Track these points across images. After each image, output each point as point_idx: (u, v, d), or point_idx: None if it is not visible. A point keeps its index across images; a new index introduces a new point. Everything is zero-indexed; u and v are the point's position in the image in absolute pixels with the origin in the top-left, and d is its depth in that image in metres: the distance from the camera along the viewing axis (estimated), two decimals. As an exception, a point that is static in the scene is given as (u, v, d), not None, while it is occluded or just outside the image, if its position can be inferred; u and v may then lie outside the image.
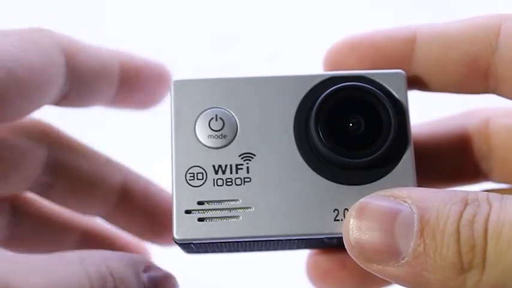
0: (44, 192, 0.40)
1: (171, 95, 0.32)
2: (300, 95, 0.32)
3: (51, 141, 0.39)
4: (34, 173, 0.38)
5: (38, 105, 0.34)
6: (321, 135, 0.31)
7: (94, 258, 0.30)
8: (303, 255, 0.40)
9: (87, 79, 0.36)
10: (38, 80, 0.33)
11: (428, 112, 0.40)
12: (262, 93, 0.32)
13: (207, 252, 0.34)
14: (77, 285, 0.28)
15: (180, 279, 0.33)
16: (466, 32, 0.33)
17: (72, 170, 0.39)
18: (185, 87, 0.32)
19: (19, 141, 0.37)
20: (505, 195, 0.28)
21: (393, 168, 0.31)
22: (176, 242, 0.31)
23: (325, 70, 0.36)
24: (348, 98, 0.31)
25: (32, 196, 0.40)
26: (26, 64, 0.32)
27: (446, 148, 0.38)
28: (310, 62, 0.38)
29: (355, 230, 0.29)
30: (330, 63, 0.36)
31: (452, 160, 0.39)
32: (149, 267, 0.31)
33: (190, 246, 0.31)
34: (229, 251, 0.33)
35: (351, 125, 0.31)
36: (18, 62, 0.32)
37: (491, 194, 0.28)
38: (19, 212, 0.39)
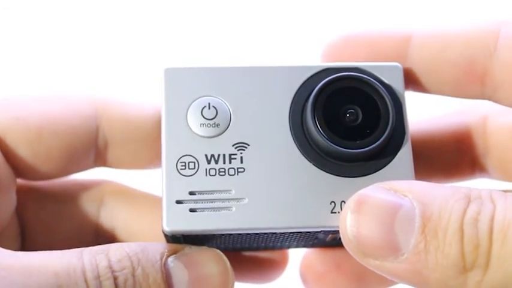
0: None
1: (162, 83, 0.31)
2: (295, 86, 0.31)
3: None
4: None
5: (72, 162, 0.35)
6: (318, 125, 0.30)
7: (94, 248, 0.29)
8: (297, 256, 0.39)
9: (123, 133, 0.36)
10: (57, 129, 0.34)
11: (425, 111, 0.39)
12: (257, 83, 0.31)
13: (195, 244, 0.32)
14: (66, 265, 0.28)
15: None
16: (463, 34, 0.33)
17: None
18: (177, 75, 0.31)
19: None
20: (508, 193, 0.27)
21: (391, 160, 0.31)
22: (165, 234, 0.30)
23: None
24: (344, 88, 0.30)
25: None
26: (39, 112, 0.33)
27: (443, 144, 0.38)
28: (308, 56, 0.38)
29: (353, 223, 0.28)
30: (326, 57, 0.35)
31: (448, 156, 0.38)
32: (177, 250, 0.30)
33: (179, 239, 0.30)
34: (219, 247, 0.32)
35: (347, 115, 0.30)
36: (30, 111, 0.33)
37: (494, 191, 0.27)
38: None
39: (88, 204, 0.37)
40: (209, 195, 0.30)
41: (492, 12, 0.61)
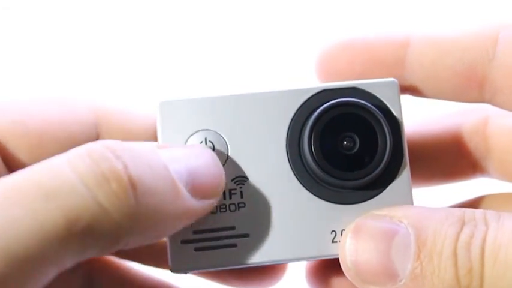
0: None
1: (158, 118, 0.31)
2: (291, 111, 0.31)
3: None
4: None
5: None
6: (315, 157, 0.30)
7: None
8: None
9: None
10: (56, 134, 0.33)
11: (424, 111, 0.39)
12: (252, 112, 0.31)
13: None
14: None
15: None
16: (462, 39, 0.33)
17: None
18: (172, 109, 0.31)
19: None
20: (502, 213, 0.28)
21: (389, 184, 0.31)
22: (176, 272, 0.30)
23: (316, 70, 0.35)
24: (341, 114, 0.30)
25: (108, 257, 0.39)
26: (38, 117, 0.33)
27: (443, 146, 0.38)
28: (303, 62, 0.37)
29: (351, 251, 0.29)
30: (321, 64, 0.35)
31: (449, 157, 0.38)
32: (162, 145, 0.29)
33: (185, 273, 0.31)
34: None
35: (345, 142, 0.30)
36: (29, 115, 0.32)
37: (488, 212, 0.28)
38: (95, 274, 0.38)
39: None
40: (213, 233, 0.30)
41: (489, 12, 0.60)
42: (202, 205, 0.28)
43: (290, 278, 0.40)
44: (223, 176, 0.30)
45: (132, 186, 0.25)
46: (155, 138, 0.34)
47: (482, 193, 0.38)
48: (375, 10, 0.65)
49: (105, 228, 0.24)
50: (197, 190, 0.28)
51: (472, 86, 0.33)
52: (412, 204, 0.31)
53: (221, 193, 0.29)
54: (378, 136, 0.30)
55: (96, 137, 0.34)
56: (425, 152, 0.37)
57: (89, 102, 0.35)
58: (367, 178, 0.30)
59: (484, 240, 0.27)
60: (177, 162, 0.28)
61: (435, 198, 0.41)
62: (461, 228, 0.27)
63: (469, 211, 0.28)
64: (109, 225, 0.24)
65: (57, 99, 0.34)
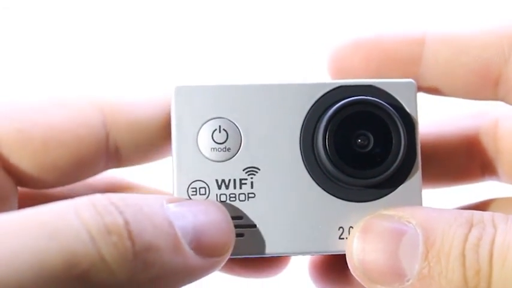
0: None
1: (172, 102, 0.31)
2: (307, 106, 0.31)
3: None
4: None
5: (80, 169, 0.34)
6: (329, 153, 0.30)
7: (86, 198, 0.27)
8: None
9: (133, 136, 0.35)
10: (62, 140, 0.32)
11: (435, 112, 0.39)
12: (268, 103, 0.31)
13: None
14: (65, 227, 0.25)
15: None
16: (478, 37, 0.33)
17: None
18: (188, 94, 0.31)
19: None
20: (511, 216, 0.28)
21: (400, 184, 0.31)
22: None
23: (329, 67, 0.35)
24: (357, 112, 0.30)
25: None
26: (43, 124, 0.32)
27: (453, 147, 0.38)
28: (317, 61, 0.37)
29: (359, 250, 0.29)
30: (334, 62, 0.35)
31: (458, 159, 0.38)
32: (174, 199, 0.29)
33: None
34: None
35: (359, 140, 0.30)
36: (33, 122, 0.32)
37: (496, 214, 0.28)
38: None
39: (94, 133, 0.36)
40: None
41: (506, 10, 0.60)
42: (207, 263, 0.28)
43: (293, 268, 0.40)
44: (233, 234, 0.29)
45: (132, 241, 0.25)
46: (166, 126, 0.34)
47: (490, 197, 0.38)
48: (389, 7, 0.65)
49: (102, 277, 0.25)
50: (203, 248, 0.28)
51: (486, 84, 0.33)
52: (421, 205, 0.31)
53: (230, 251, 0.29)
54: (393, 136, 0.30)
55: (106, 136, 0.34)
56: (434, 153, 0.37)
57: (93, 99, 0.34)
58: (379, 177, 0.30)
59: (492, 243, 0.27)
60: (184, 218, 0.28)
61: (443, 200, 0.40)
62: (470, 230, 0.27)
63: (477, 213, 0.28)
64: (106, 275, 0.25)
65: (60, 100, 0.34)
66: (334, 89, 0.31)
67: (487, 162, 0.38)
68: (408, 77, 0.32)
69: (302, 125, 0.31)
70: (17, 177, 0.33)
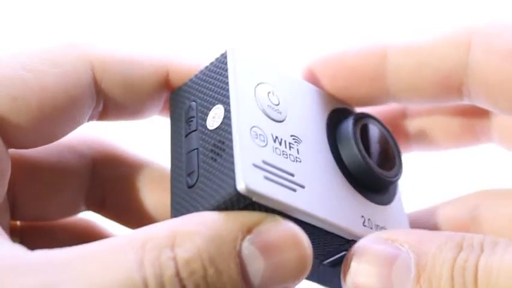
0: (99, 208, 0.38)
1: (229, 59, 0.32)
2: (325, 114, 0.35)
3: (96, 153, 0.37)
4: (83, 188, 0.37)
5: (69, 126, 0.33)
6: (360, 152, 0.33)
7: (156, 241, 0.26)
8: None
9: (123, 94, 0.34)
10: (57, 103, 0.31)
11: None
12: (303, 94, 0.34)
13: None
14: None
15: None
16: (437, 49, 0.34)
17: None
18: (242, 56, 0.32)
19: (66, 161, 0.36)
20: (501, 240, 0.29)
21: (394, 197, 0.35)
22: (237, 195, 0.28)
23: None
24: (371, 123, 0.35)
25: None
26: (38, 88, 0.31)
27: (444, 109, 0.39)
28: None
29: (352, 273, 0.30)
30: (308, 80, 0.36)
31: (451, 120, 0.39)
32: (251, 227, 0.28)
33: (251, 198, 0.29)
34: None
35: (379, 143, 0.35)
36: (29, 87, 0.30)
37: (487, 237, 0.29)
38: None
39: (80, 170, 0.37)
40: (278, 171, 0.29)
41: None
42: None
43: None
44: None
45: None
46: (157, 86, 0.34)
47: (478, 189, 0.38)
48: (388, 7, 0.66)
49: None
50: None
51: (450, 92, 0.34)
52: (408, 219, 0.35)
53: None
54: (394, 149, 0.36)
55: (96, 94, 0.33)
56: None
57: (84, 56, 0.33)
58: (397, 177, 0.34)
59: (476, 266, 0.28)
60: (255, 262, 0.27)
61: (436, 192, 0.42)
62: (458, 254, 0.28)
63: (468, 236, 0.29)
64: None
65: (51, 58, 0.32)
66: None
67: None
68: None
69: (326, 124, 0.34)
70: (10, 142, 0.31)
